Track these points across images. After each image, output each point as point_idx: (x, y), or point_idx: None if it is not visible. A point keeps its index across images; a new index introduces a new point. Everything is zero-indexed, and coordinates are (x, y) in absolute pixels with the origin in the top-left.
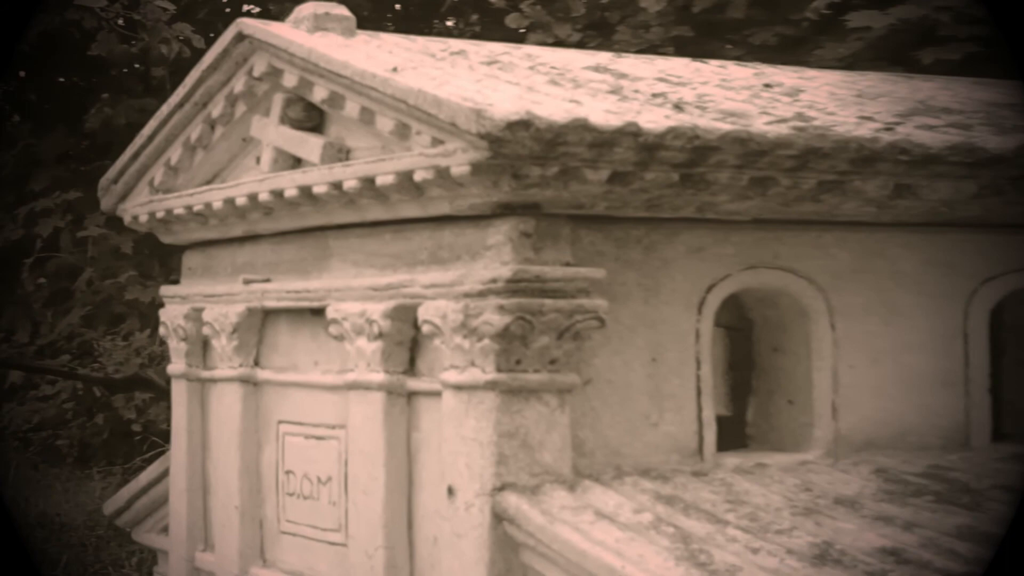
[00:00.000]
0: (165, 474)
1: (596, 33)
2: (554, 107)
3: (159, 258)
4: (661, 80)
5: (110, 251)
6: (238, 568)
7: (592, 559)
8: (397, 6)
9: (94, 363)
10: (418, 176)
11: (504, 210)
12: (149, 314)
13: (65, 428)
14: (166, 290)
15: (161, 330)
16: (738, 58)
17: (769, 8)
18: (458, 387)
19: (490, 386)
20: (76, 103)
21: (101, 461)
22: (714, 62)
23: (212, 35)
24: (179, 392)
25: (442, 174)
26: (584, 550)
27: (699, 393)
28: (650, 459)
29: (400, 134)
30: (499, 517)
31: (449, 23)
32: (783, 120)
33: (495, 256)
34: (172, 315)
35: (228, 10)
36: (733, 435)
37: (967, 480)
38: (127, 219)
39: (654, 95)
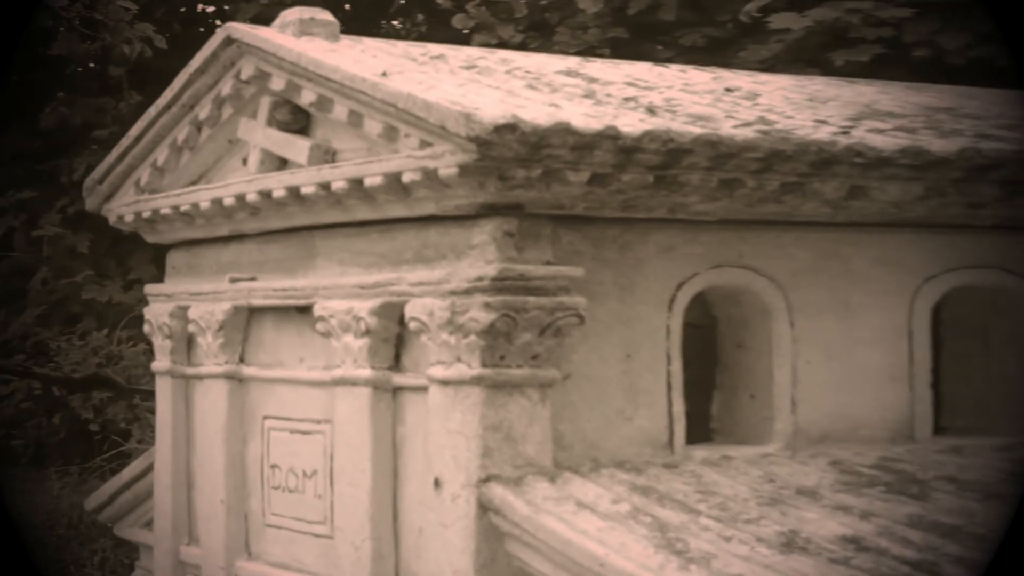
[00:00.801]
0: (148, 470)
1: (537, 34)
2: (537, 111)
3: (116, 258)
4: (629, 84)
5: (66, 251)
6: (224, 561)
7: (577, 547)
8: (347, 6)
9: (50, 363)
10: (406, 177)
11: (488, 210)
12: (106, 314)
13: (20, 428)
14: (151, 288)
15: (145, 328)
16: (669, 59)
17: (698, 11)
18: (444, 382)
19: (476, 381)
20: (31, 101)
21: (58, 461)
22: (675, 67)
23: (168, 35)
24: (163, 389)
25: (430, 175)
26: (569, 539)
27: (670, 388)
28: (625, 452)
29: (388, 136)
30: (484, 508)
31: (396, 23)
32: (748, 124)
33: (480, 255)
34: (157, 313)
35: (183, 9)
36: (693, 429)
37: (914, 471)
38: (112, 219)
39: (625, 99)
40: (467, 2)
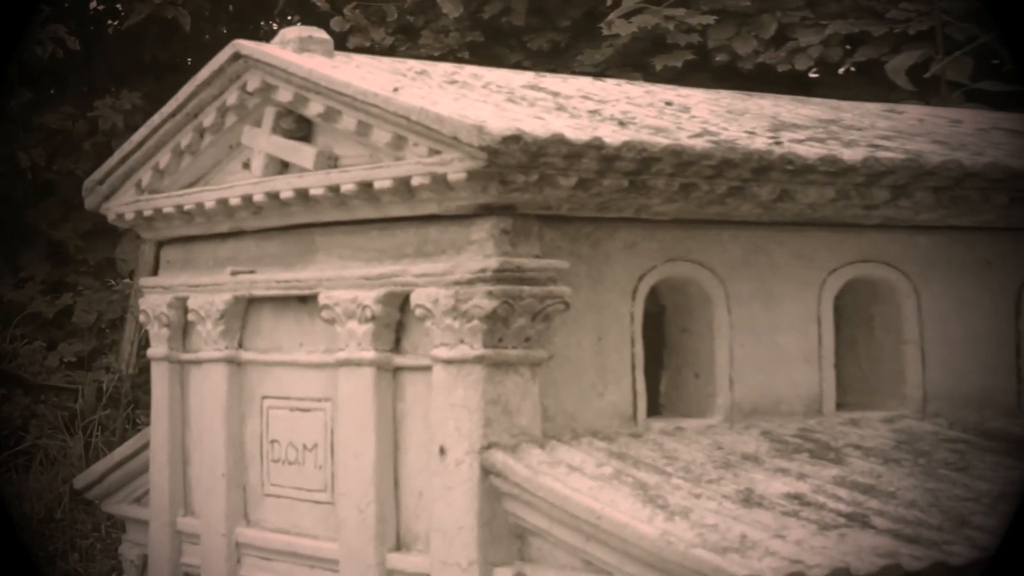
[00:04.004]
0: (140, 450)
1: (405, 37)
2: (531, 123)
3: (4, 255)
4: (585, 98)
5: None
6: (225, 528)
7: (575, 503)
8: (231, 7)
9: None
10: (415, 181)
11: (485, 211)
12: None
13: None
14: (146, 281)
15: (141, 317)
16: (519, 62)
17: (542, 16)
18: (448, 362)
19: (478, 360)
20: None
21: None
22: (611, 81)
23: (70, 34)
24: (160, 373)
25: (438, 180)
26: (567, 496)
27: (633, 367)
28: (597, 423)
29: (395, 145)
30: (486, 471)
31: (275, 25)
32: (698, 135)
33: (478, 250)
34: (153, 304)
35: (67, 4)
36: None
37: (827, 440)
38: (111, 216)
39: (590, 111)
40: (344, 5)
